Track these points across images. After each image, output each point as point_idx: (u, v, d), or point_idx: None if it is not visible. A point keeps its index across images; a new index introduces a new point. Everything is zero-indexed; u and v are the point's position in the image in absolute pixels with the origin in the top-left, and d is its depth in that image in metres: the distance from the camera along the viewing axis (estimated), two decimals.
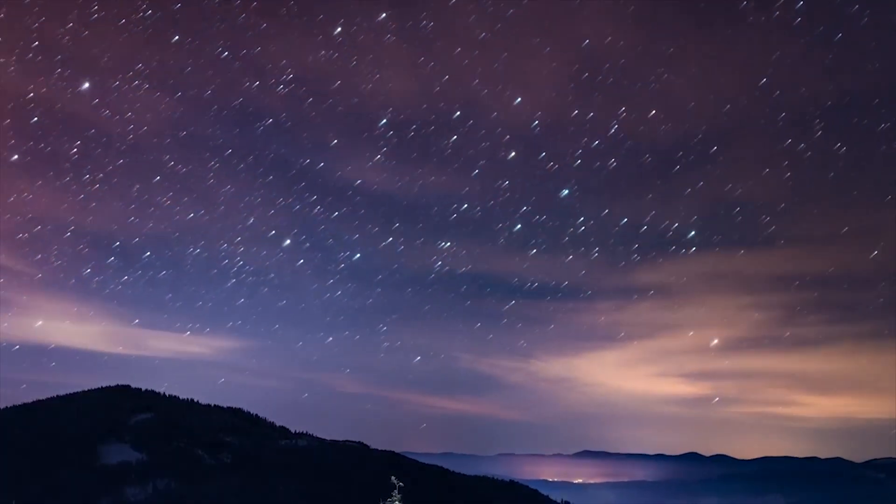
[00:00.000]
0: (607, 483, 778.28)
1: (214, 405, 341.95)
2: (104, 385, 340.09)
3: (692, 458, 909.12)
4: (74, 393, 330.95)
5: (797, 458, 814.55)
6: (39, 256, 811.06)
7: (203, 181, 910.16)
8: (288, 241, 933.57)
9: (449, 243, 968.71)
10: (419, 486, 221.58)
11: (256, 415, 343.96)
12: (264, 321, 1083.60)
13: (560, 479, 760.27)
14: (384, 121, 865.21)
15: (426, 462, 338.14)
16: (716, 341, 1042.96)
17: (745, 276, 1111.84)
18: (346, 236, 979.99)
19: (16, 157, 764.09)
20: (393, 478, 58.07)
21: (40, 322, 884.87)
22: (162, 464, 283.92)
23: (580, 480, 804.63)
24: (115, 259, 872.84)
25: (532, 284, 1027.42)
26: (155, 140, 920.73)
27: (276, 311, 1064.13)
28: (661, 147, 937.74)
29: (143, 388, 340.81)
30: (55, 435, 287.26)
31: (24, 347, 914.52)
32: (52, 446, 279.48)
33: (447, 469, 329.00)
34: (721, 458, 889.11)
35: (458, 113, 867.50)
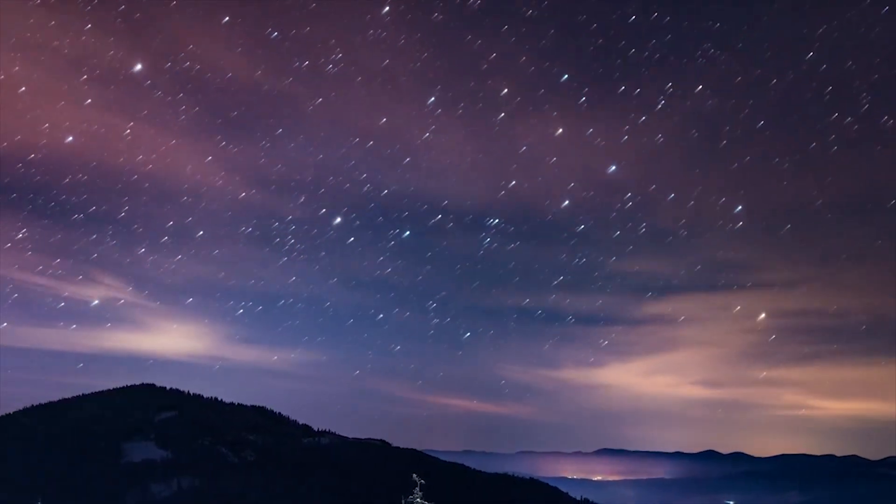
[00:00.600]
0: (626, 480, 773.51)
1: (238, 403, 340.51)
2: (129, 384, 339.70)
3: (710, 455, 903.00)
4: (100, 392, 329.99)
5: (814, 455, 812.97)
6: (95, 236, 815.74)
7: (255, 160, 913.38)
8: (339, 220, 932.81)
9: (497, 220, 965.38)
10: (440, 483, 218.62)
11: (279, 413, 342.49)
12: (316, 299, 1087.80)
13: (580, 477, 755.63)
14: (432, 99, 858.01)
15: (447, 460, 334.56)
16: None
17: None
18: (395, 214, 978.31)
19: (70, 138, 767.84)
20: (414, 475, 55.67)
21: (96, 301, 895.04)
22: (186, 461, 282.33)
23: (600, 478, 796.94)
24: (168, 239, 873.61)
25: (580, 260, 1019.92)
26: (206, 120, 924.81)
27: (327, 289, 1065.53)
28: (707, 122, 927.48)
29: (168, 387, 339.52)
30: (81, 432, 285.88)
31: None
32: (79, 444, 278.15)
33: (468, 467, 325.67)
34: (739, 456, 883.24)
35: (506, 90, 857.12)
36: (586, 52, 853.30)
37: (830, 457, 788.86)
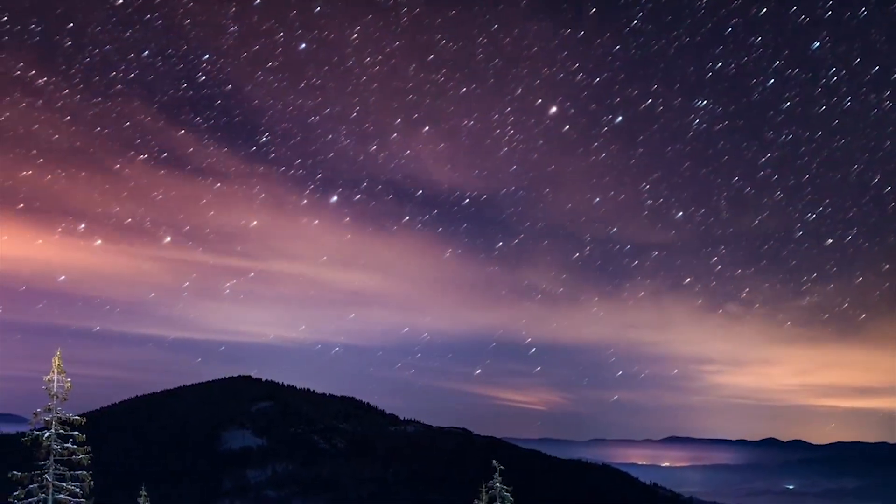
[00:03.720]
0: (693, 466, 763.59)
1: (329, 394, 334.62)
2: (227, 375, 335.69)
3: (771, 443, 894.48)
4: (200, 383, 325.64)
5: (868, 442, 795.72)
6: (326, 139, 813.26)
7: (472, 56, 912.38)
8: (554, 109, 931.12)
9: (705, 101, 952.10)
10: (519, 469, 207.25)
11: (368, 403, 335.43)
12: (536, 184, 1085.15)
13: (649, 463, 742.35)
14: None
15: (525, 447, 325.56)
16: None
17: None
18: (607, 100, 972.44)
19: (303, 45, 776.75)
20: (494, 461, 45.39)
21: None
22: (280, 448, 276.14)
23: (668, 464, 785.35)
24: (399, 121, 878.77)
25: (787, 136, 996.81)
26: (426, 21, 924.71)
27: (546, 176, 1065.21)
28: None
29: (264, 378, 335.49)
30: (182, 422, 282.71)
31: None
32: (179, 432, 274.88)
33: (544, 453, 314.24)
34: (797, 444, 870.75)
35: None
36: None
37: (884, 444, 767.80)
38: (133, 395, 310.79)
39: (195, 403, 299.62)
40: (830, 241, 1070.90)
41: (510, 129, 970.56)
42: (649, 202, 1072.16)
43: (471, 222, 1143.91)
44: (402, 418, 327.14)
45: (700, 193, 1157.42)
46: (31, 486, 37.58)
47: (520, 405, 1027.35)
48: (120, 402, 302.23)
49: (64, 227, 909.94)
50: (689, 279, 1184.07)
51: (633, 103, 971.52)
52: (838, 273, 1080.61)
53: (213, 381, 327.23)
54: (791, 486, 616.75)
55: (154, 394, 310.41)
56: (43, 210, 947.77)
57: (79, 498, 38.21)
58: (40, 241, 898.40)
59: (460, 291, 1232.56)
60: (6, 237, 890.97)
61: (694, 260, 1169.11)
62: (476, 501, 52.26)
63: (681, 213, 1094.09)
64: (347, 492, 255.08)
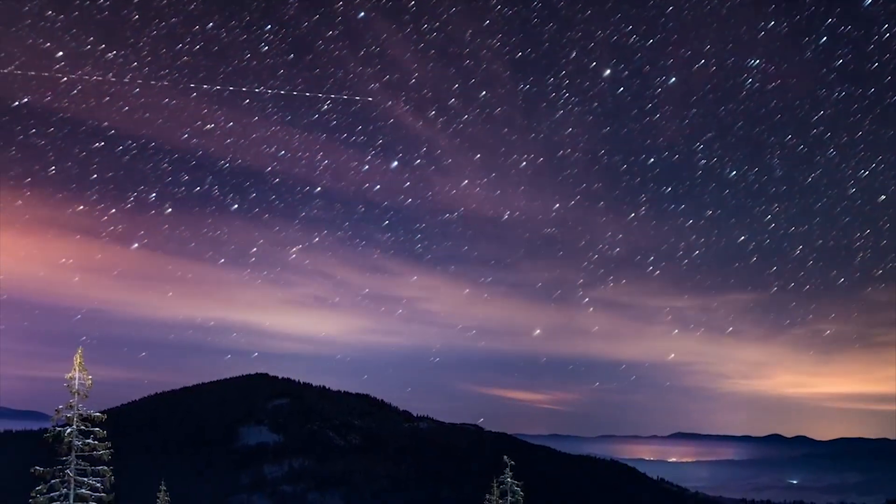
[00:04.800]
0: (699, 462, 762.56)
1: (344, 391, 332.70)
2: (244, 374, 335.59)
3: (775, 439, 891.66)
4: (218, 381, 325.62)
5: (870, 438, 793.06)
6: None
7: (527, 21, 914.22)
8: (608, 71, 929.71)
9: (758, 61, 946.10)
10: (529, 464, 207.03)
11: (382, 400, 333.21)
12: (591, 146, 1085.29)
13: (656, 459, 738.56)
14: None
15: (535, 443, 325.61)
16: None
17: None
18: (660, 62, 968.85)
19: (362, 14, 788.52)
20: (505, 457, 45.21)
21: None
22: (296, 445, 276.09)
23: (674, 459, 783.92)
24: (457, 87, 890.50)
25: (839, 94, 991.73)
26: None
27: (600, 139, 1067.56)
28: None
29: (281, 376, 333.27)
30: (200, 418, 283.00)
31: None
32: (198, 428, 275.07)
33: (554, 449, 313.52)
34: (802, 440, 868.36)
35: None
36: None
37: (885, 440, 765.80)
38: (153, 393, 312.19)
39: (213, 400, 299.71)
40: (883, 197, 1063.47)
41: (565, 93, 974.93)
42: (703, 162, 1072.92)
43: (529, 185, 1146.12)
44: (414, 415, 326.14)
45: (753, 152, 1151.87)
46: (53, 480, 37.70)
47: (530, 403, 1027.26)
48: (140, 400, 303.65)
49: (135, 196, 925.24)
50: (742, 237, 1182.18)
51: (687, 64, 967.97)
52: (891, 229, 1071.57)
53: (230, 378, 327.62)
54: (795, 481, 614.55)
55: (174, 391, 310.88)
56: (115, 181, 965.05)
57: (99, 492, 38.28)
58: (113, 210, 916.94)
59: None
60: (81, 207, 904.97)
61: (747, 217, 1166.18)
62: (487, 496, 52.21)
63: (734, 173, 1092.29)
64: (361, 487, 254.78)
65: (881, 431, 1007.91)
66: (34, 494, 37.51)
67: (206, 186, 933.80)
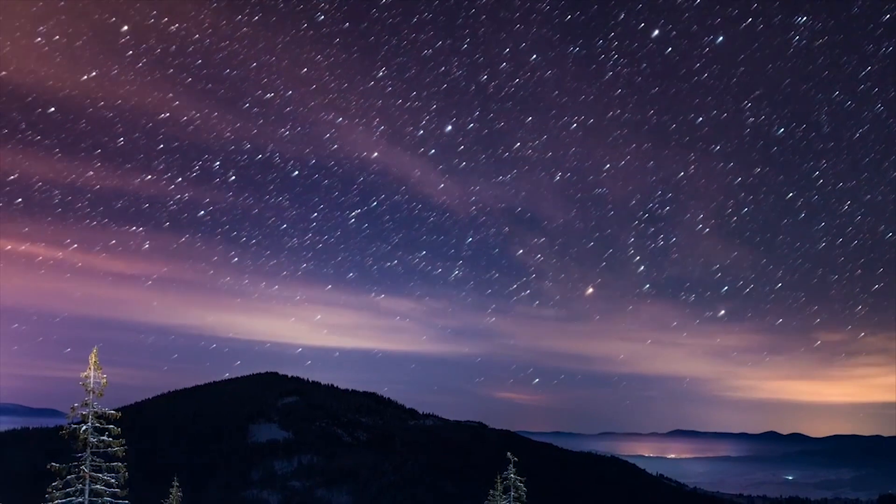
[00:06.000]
0: (697, 458, 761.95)
1: (351, 390, 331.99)
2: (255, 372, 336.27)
3: (771, 436, 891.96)
4: (230, 379, 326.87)
5: (864, 436, 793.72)
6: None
7: None
8: (656, 32, 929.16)
9: (805, 17, 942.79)
10: (532, 461, 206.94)
11: (389, 398, 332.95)
12: (640, 107, 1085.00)
13: (655, 455, 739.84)
14: None
15: (538, 440, 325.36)
16: None
17: None
18: (708, 21, 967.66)
19: None
20: (508, 453, 45.26)
21: None
22: (305, 441, 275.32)
23: (673, 456, 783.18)
24: (508, 51, 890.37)
25: (887, 49, 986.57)
26: None
27: (650, 99, 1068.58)
28: None
29: (290, 375, 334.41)
30: (212, 416, 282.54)
31: None
32: (210, 426, 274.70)
33: (556, 446, 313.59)
34: (797, 437, 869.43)
35: None
36: None
37: (878, 437, 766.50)
38: (167, 391, 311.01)
39: (225, 399, 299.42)
40: None
41: (614, 54, 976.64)
42: (751, 120, 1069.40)
43: (579, 146, 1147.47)
44: (420, 412, 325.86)
45: (801, 109, 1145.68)
46: (69, 476, 37.76)
47: (532, 401, 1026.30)
48: (154, 398, 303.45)
49: (200, 165, 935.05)
50: (791, 194, 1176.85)
51: (734, 23, 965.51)
52: None
53: (242, 377, 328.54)
54: (791, 477, 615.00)
55: (185, 389, 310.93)
56: (180, 150, 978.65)
57: (114, 488, 38.31)
58: (180, 178, 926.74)
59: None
60: (149, 177, 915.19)
61: (795, 174, 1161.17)
62: (491, 492, 52.18)
63: (782, 130, 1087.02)
64: (368, 482, 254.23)
65: (874, 429, 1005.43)
66: (50, 490, 37.57)
67: (268, 154, 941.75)
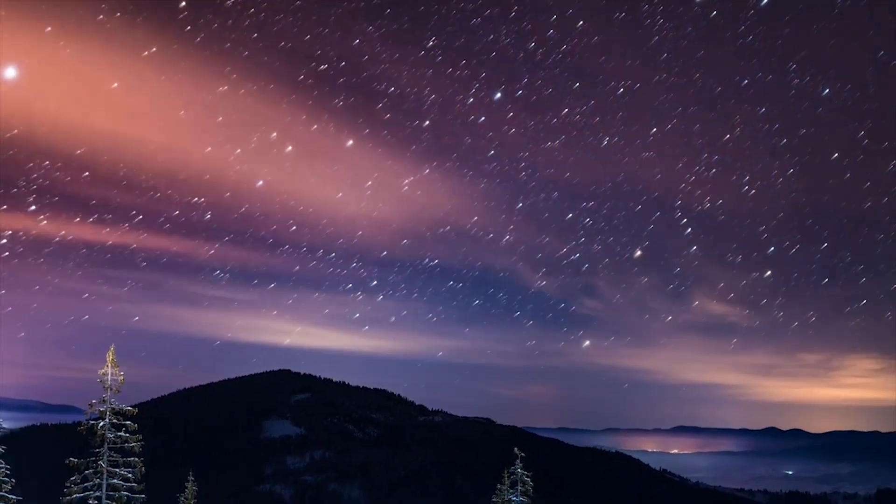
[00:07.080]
0: (700, 453, 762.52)
1: (363, 387, 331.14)
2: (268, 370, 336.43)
3: (771, 432, 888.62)
4: (244, 376, 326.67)
5: (862, 431, 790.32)
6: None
7: None
8: None
9: None
10: (538, 456, 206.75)
11: (399, 395, 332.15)
12: (686, 71, 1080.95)
13: (659, 450, 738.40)
14: None
15: (544, 436, 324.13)
16: None
17: None
18: None
19: None
20: (515, 449, 45.39)
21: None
22: (317, 437, 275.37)
23: (676, 451, 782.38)
24: (555, 18, 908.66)
25: None
26: None
27: (695, 62, 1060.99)
28: None
29: (303, 372, 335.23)
30: (226, 412, 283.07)
31: None
32: (224, 422, 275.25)
33: (562, 441, 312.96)
34: (797, 432, 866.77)
35: None
36: None
37: (876, 433, 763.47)
38: (182, 388, 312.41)
39: (239, 395, 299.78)
40: None
41: (660, 19, 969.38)
42: (796, 81, 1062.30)
43: (626, 110, 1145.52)
44: (429, 409, 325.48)
45: (846, 69, 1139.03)
46: (87, 471, 37.82)
47: (539, 397, 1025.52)
48: (169, 394, 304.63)
49: (258, 136, 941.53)
50: (835, 154, 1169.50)
51: None
52: None
53: (255, 374, 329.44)
54: (790, 472, 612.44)
55: (200, 386, 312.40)
56: (238, 122, 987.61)
57: (131, 483, 38.32)
58: (239, 150, 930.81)
59: None
60: (209, 148, 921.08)
61: (841, 135, 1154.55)
62: (499, 486, 52.16)
63: (827, 90, 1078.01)
64: (379, 477, 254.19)
65: (873, 425, 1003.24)
66: (69, 484, 37.59)
67: (322, 124, 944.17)
